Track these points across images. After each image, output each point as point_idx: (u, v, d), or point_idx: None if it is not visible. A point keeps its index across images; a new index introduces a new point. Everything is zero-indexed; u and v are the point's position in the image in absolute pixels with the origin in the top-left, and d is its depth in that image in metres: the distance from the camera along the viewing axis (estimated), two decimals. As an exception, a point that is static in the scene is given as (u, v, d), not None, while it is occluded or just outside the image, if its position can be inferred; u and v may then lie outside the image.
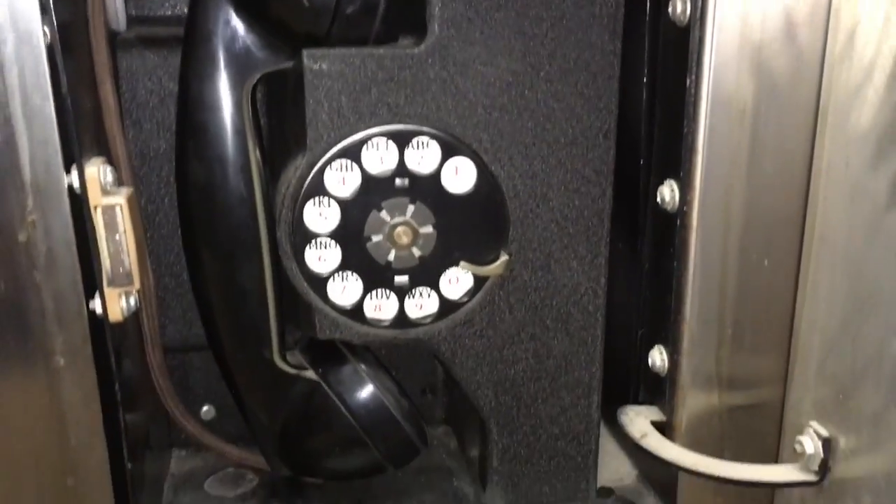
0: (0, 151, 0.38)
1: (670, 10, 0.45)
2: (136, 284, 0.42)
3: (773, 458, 0.50)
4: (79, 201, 0.40)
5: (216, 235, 0.47)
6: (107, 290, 0.42)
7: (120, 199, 0.41)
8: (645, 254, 0.52)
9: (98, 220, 0.41)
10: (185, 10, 0.46)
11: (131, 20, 0.51)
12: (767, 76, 0.44)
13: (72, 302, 0.41)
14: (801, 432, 0.47)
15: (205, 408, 0.60)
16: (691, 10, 0.44)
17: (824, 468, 0.45)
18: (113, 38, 0.49)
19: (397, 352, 0.60)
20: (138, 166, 0.51)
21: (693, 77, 0.44)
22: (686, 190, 0.46)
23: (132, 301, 0.43)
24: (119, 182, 0.43)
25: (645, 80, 0.50)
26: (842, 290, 0.43)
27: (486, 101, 0.46)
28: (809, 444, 0.46)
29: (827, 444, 0.44)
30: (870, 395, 0.41)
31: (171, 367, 0.57)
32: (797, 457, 0.46)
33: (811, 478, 0.45)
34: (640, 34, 0.49)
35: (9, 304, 0.40)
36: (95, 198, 0.40)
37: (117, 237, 0.41)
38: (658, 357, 0.50)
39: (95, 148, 0.43)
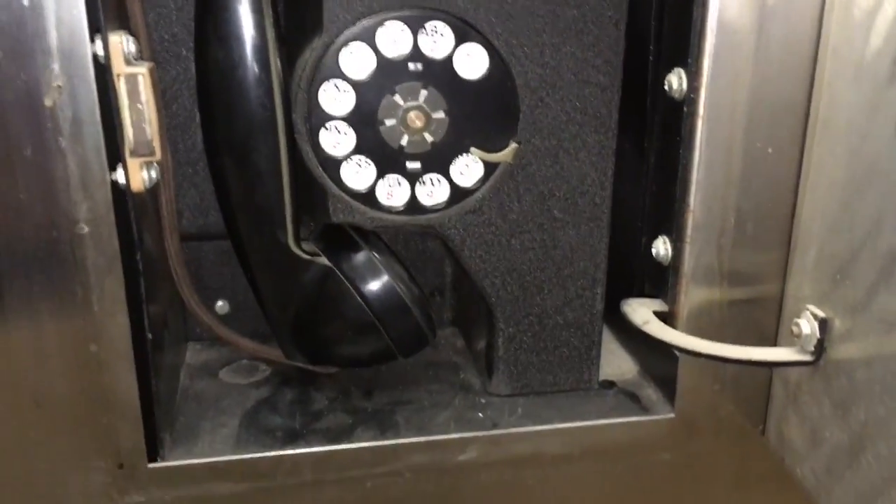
0: (27, 15, 0.39)
1: None
2: (158, 155, 0.43)
3: (771, 344, 0.51)
4: (102, 69, 0.41)
5: (234, 117, 0.48)
6: (129, 159, 0.43)
7: (142, 69, 0.42)
8: (651, 145, 0.53)
9: (121, 88, 0.42)
10: None
11: None
12: (777, -37, 0.45)
13: (96, 169, 0.42)
14: (798, 316, 0.48)
15: (219, 303, 0.61)
16: None
17: (820, 348, 0.46)
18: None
19: (406, 253, 0.62)
20: (157, 50, 0.52)
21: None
22: (694, 77, 0.47)
23: (153, 173, 0.44)
24: (140, 56, 0.44)
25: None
26: (842, 170, 0.44)
27: (500, -12, 0.47)
28: (806, 325, 0.47)
29: (823, 324, 0.46)
30: (865, 273, 0.43)
31: (186, 258, 0.59)
32: (794, 339, 0.48)
33: (807, 357, 0.47)
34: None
35: (35, 169, 0.41)
36: (119, 66, 0.41)
37: (140, 106, 0.42)
38: (662, 246, 0.52)
39: (117, 21, 0.44)
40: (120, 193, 0.43)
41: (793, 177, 0.48)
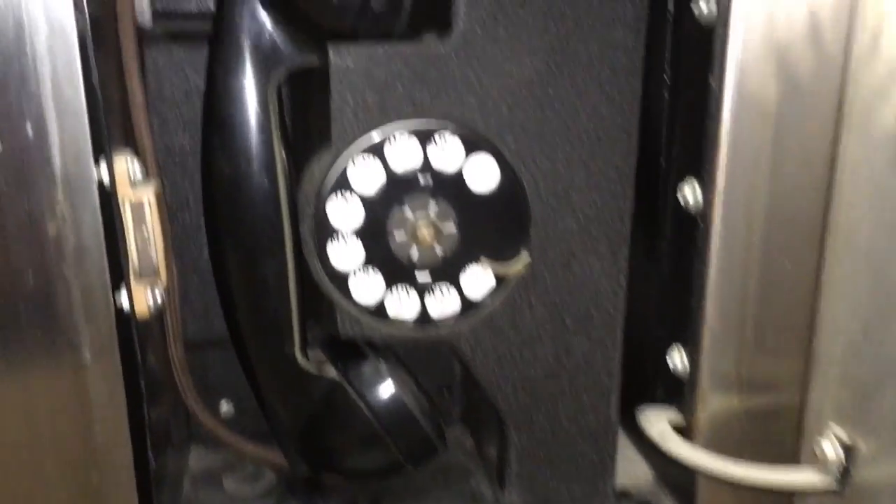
0: (32, 144, 0.39)
1: (695, 9, 0.46)
2: (163, 279, 0.42)
3: (792, 461, 0.50)
4: (107, 194, 0.40)
5: (240, 230, 0.47)
6: (134, 284, 0.42)
7: (148, 193, 0.41)
8: (665, 253, 0.52)
9: (127, 213, 0.41)
10: (210, 6, 0.47)
11: (157, 15, 0.51)
12: (791, 75, 0.44)
13: (99, 296, 0.41)
14: (820, 435, 0.47)
15: (223, 404, 0.60)
16: (716, 10, 0.44)
17: (845, 475, 0.45)
18: (140, 33, 0.49)
19: (415, 349, 0.60)
20: (163, 161, 0.51)
21: (716, 75, 0.44)
22: (708, 189, 0.46)
23: (158, 296, 0.43)
24: (146, 176, 0.44)
25: (666, 78, 0.50)
26: (864, 292, 0.43)
27: (509, 98, 0.46)
28: (829, 449, 0.45)
29: (848, 450, 0.44)
30: (892, 400, 0.41)
31: (190, 362, 0.57)
32: (816, 460, 0.46)
33: (832, 485, 0.45)
34: (663, 33, 0.49)
35: (37, 298, 0.40)
36: (124, 191, 0.41)
37: (145, 231, 0.41)
38: (678, 358, 0.51)
39: (123, 141, 0.44)
40: (124, 317, 0.42)
41: (812, 290, 0.47)
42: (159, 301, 0.43)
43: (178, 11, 0.52)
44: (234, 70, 0.45)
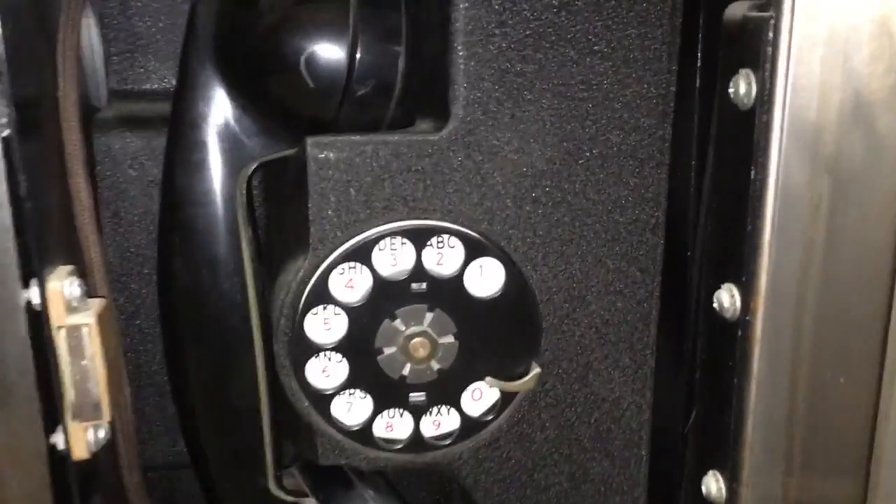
0: (-57, 265, 0.32)
1: (731, 91, 0.39)
2: (107, 416, 0.35)
3: None
4: (39, 321, 0.34)
5: (203, 347, 0.41)
6: (70, 424, 0.35)
7: (88, 319, 0.34)
8: (698, 363, 0.45)
9: (61, 343, 0.34)
10: (174, 83, 0.40)
11: (113, 94, 0.45)
12: (844, 166, 0.38)
13: (29, 440, 0.34)
14: (885, 578, 0.40)
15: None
16: (757, 92, 0.38)
17: None
18: (90, 116, 0.43)
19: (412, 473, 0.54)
20: (116, 264, 0.45)
21: (757, 167, 0.38)
22: (749, 296, 0.40)
23: (101, 434, 0.37)
24: (90, 293, 0.37)
25: (693, 165, 0.44)
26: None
27: (516, 193, 0.40)
28: None
29: None
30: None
31: (155, 485, 0.51)
32: None
33: None
34: (692, 115, 0.43)
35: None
36: (59, 317, 0.34)
37: (84, 363, 0.34)
38: (714, 484, 0.44)
39: (63, 254, 0.37)
40: (59, 459, 0.36)
41: (870, 410, 0.41)
42: (102, 439, 0.37)
43: (137, 90, 0.45)
44: (196, 163, 0.38)
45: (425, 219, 0.39)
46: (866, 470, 0.41)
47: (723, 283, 0.41)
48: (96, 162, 0.43)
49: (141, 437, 0.46)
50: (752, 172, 0.39)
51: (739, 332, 0.40)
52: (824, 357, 0.40)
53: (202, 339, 0.40)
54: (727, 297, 0.41)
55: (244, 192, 0.39)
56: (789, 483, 0.42)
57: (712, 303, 0.42)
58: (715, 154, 0.42)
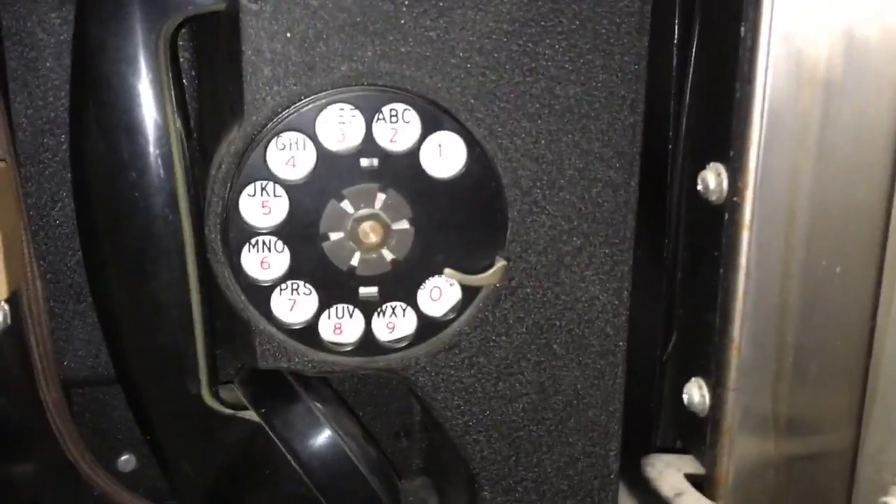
0: None
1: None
2: (2, 292, 0.31)
3: (845, 521, 0.39)
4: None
5: (124, 233, 0.36)
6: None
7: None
8: (678, 258, 0.41)
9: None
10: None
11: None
12: (847, 28, 0.34)
13: None
14: (883, 490, 0.36)
15: (124, 456, 0.48)
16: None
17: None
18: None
19: (363, 385, 0.49)
20: (28, 142, 0.39)
21: (751, 21, 0.34)
22: (737, 175, 0.36)
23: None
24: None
25: (676, 32, 0.39)
26: (951, 304, 0.33)
27: (479, 58, 0.35)
28: (900, 506, 0.35)
29: (927, 507, 0.34)
30: None
31: (80, 405, 0.46)
32: (882, 523, 0.36)
33: (905, 553, 0.35)
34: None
35: None
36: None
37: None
38: (696, 392, 0.40)
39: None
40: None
41: (869, 304, 0.37)
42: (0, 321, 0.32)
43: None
44: (109, 16, 0.33)
45: (376, 85, 0.35)
46: (864, 373, 0.38)
47: (708, 162, 0.38)
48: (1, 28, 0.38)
49: (59, 347, 0.42)
50: (742, 29, 0.34)
51: (726, 216, 0.37)
52: (819, 244, 0.37)
53: (121, 223, 0.35)
54: (713, 178, 0.37)
55: (167, 50, 0.34)
56: (779, 389, 0.38)
57: (696, 185, 0.38)
58: (700, 11, 0.38)
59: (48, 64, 0.38)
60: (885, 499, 0.36)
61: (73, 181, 0.36)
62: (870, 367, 0.37)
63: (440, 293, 0.38)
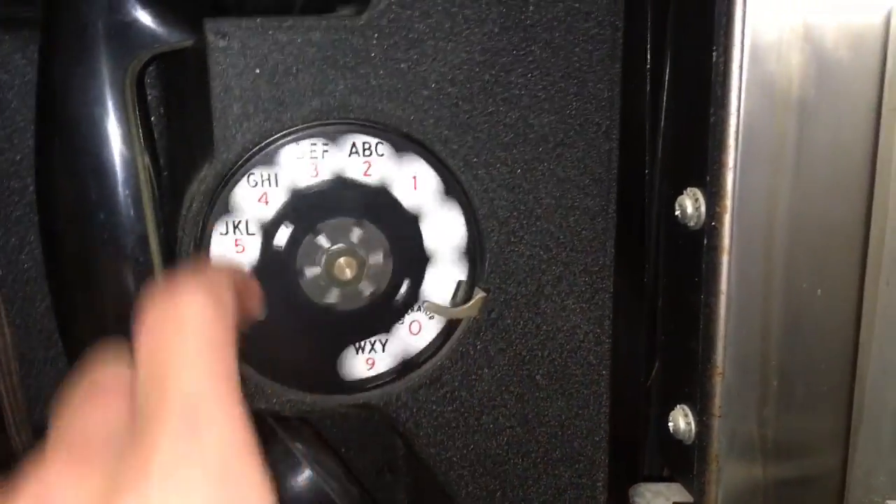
0: None
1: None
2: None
3: (837, 546, 0.39)
4: None
5: (94, 276, 0.35)
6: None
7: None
8: (659, 285, 0.41)
9: None
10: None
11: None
12: (819, 49, 0.34)
13: None
14: (874, 513, 0.36)
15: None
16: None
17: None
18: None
19: (345, 420, 0.48)
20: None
21: (723, 46, 0.34)
22: (714, 200, 0.35)
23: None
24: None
25: (649, 58, 0.39)
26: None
27: (451, 88, 0.35)
28: (892, 530, 0.34)
29: (918, 531, 0.33)
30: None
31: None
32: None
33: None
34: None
35: None
36: None
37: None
38: (682, 419, 0.39)
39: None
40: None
41: (852, 326, 0.37)
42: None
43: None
44: (74, 55, 0.33)
45: (347, 118, 0.34)
46: (849, 394, 0.37)
47: (685, 187, 0.37)
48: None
49: (30, 394, 0.41)
50: (714, 54, 0.34)
51: (705, 241, 0.36)
52: (799, 267, 0.36)
53: (91, 266, 0.34)
54: (690, 203, 0.37)
55: (134, 88, 0.33)
56: (765, 414, 0.38)
57: (674, 211, 0.37)
58: (672, 37, 0.38)
59: (13, 105, 0.38)
60: (874, 522, 0.35)
61: (41, 225, 0.35)
62: (855, 388, 0.37)
63: (419, 327, 0.37)
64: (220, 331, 0.24)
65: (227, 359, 0.23)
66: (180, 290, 0.24)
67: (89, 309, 0.36)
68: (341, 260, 0.35)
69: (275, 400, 0.37)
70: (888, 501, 0.35)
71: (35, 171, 0.35)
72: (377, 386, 0.37)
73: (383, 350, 0.37)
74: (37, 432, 0.40)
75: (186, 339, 0.23)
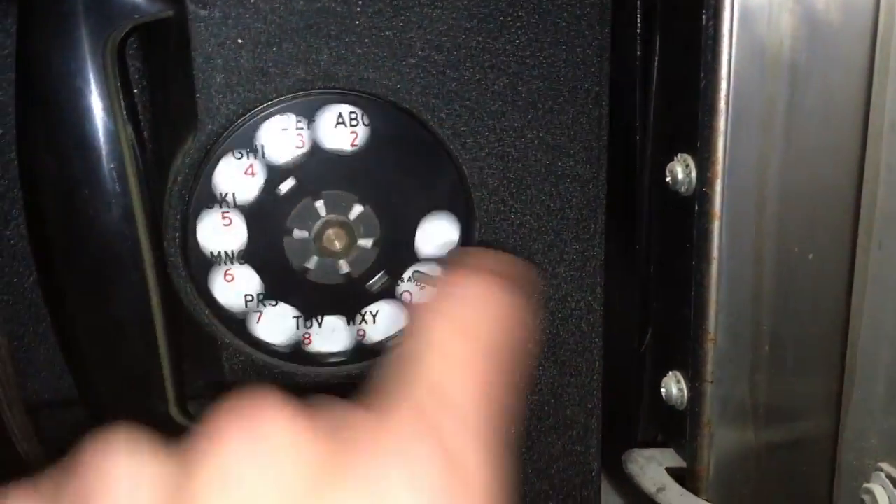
0: None
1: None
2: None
3: (828, 508, 0.39)
4: None
5: (79, 251, 0.34)
6: None
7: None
8: (650, 252, 0.41)
9: None
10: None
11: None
12: (810, 11, 0.34)
13: None
14: (865, 476, 0.36)
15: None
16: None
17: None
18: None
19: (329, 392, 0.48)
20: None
21: (712, 10, 0.33)
22: (705, 166, 0.35)
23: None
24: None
25: (639, 23, 0.39)
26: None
27: (438, 56, 0.34)
28: (882, 493, 0.35)
29: (908, 491, 0.34)
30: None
31: (48, 427, 0.44)
32: (865, 509, 0.35)
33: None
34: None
35: None
36: None
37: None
38: (674, 386, 0.39)
39: None
40: None
41: (843, 290, 0.37)
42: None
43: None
44: (53, 27, 0.32)
45: (331, 88, 0.34)
46: (841, 359, 0.37)
47: (676, 153, 0.37)
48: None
49: (21, 370, 0.40)
50: (704, 18, 0.34)
51: (696, 207, 0.36)
52: (791, 231, 0.36)
53: (76, 241, 0.34)
54: (681, 169, 0.37)
55: (115, 60, 0.33)
56: (757, 379, 0.38)
57: (665, 177, 0.37)
58: (662, 1, 0.37)
59: None
60: (867, 485, 0.35)
61: (24, 200, 0.35)
62: (846, 352, 0.37)
63: (411, 299, 0.37)
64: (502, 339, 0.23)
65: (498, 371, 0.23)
66: (488, 277, 0.23)
67: (75, 285, 0.35)
68: (331, 231, 0.35)
69: (266, 372, 0.37)
70: (880, 464, 0.35)
71: (17, 146, 0.34)
72: (335, 363, 0.37)
73: (374, 322, 0.37)
74: (29, 409, 0.40)
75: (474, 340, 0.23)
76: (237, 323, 0.36)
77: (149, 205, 0.35)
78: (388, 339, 0.37)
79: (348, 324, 0.37)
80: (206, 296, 0.35)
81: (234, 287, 0.35)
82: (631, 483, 0.40)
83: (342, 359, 0.37)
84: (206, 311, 0.35)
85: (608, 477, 0.45)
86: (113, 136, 0.33)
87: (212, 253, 0.35)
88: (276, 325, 0.36)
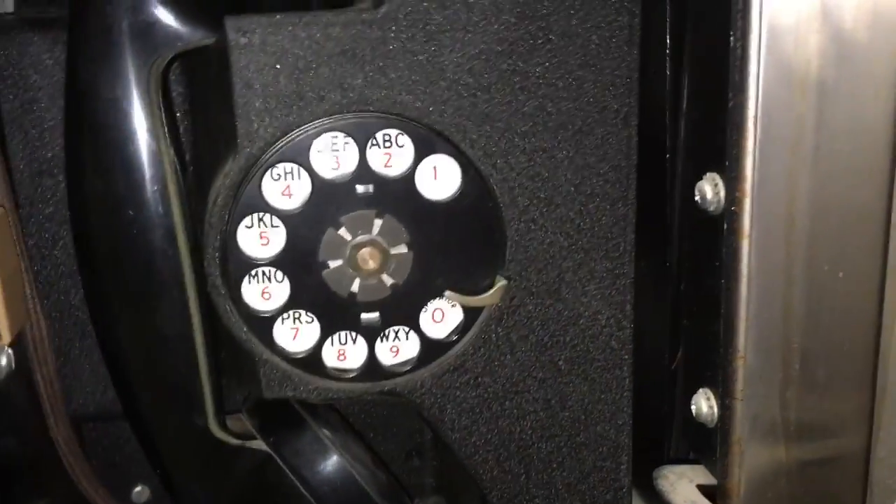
0: None
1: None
2: (5, 337, 0.31)
3: (861, 526, 0.39)
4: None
5: (123, 270, 0.36)
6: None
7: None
8: (680, 270, 0.41)
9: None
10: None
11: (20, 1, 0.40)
12: (837, 30, 0.34)
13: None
14: (898, 494, 0.36)
15: (137, 488, 0.48)
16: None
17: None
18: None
19: (373, 406, 0.49)
20: (26, 183, 0.40)
21: (740, 30, 0.34)
22: (734, 184, 0.36)
23: (3, 360, 0.32)
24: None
25: (668, 43, 0.39)
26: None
27: (469, 79, 0.35)
28: (915, 510, 0.35)
29: (942, 511, 0.33)
30: None
31: (92, 439, 0.46)
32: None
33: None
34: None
35: None
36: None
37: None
38: (704, 403, 0.39)
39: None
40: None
41: (874, 307, 0.37)
42: (5, 367, 0.32)
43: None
44: (100, 56, 0.34)
45: (367, 111, 0.35)
46: (872, 376, 0.37)
47: (704, 172, 0.37)
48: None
49: (66, 385, 0.42)
50: (732, 38, 0.34)
51: (725, 226, 0.36)
52: (820, 249, 0.36)
53: (120, 260, 0.35)
54: (710, 188, 0.37)
55: (159, 86, 0.34)
56: (788, 397, 0.38)
57: (694, 195, 0.38)
58: (691, 21, 0.38)
59: (43, 105, 0.39)
60: (899, 502, 0.35)
61: (72, 220, 0.36)
62: (878, 369, 0.37)
63: (442, 315, 0.38)
64: None
65: None
66: None
67: (119, 302, 0.36)
68: (364, 251, 0.36)
69: (301, 388, 0.38)
70: (912, 481, 0.35)
71: (65, 169, 0.36)
72: (401, 373, 0.38)
73: (407, 338, 0.38)
74: (73, 422, 0.42)
75: None
76: (273, 339, 0.37)
77: (190, 224, 0.36)
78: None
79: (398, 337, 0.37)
80: (244, 313, 0.36)
81: (272, 304, 0.36)
82: (661, 500, 0.41)
83: (412, 367, 0.38)
84: (245, 329, 0.36)
85: (639, 493, 0.45)
86: (156, 158, 0.34)
87: (251, 269, 0.36)
88: (307, 339, 0.37)
